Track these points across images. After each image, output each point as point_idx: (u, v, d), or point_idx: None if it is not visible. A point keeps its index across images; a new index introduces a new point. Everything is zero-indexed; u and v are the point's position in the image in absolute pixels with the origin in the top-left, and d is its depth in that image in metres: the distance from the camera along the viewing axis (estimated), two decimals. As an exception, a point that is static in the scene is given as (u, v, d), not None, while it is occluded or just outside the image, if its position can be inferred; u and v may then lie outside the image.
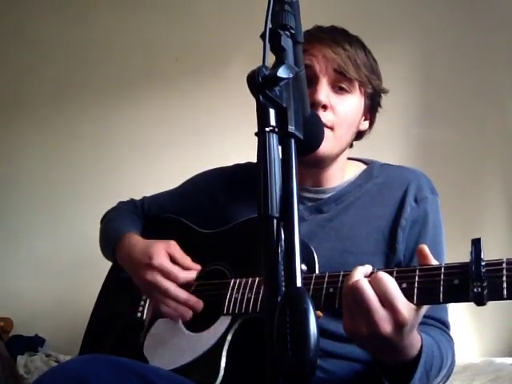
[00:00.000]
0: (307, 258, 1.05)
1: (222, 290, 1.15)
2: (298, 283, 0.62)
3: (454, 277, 0.84)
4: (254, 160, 0.70)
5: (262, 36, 0.75)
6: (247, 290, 1.10)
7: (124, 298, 1.35)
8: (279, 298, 0.62)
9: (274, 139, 0.70)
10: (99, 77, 2.73)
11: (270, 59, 0.76)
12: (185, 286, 1.21)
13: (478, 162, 2.25)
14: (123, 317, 1.33)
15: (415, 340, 0.92)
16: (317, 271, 1.05)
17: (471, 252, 0.82)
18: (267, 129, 0.70)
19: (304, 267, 1.03)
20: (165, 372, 1.09)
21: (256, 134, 0.71)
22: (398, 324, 0.85)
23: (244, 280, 1.12)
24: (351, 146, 1.31)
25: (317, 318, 0.59)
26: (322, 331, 0.59)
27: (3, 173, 2.80)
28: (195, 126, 2.57)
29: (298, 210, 0.67)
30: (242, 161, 1.43)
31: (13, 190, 2.77)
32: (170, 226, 1.41)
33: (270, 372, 0.62)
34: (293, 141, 0.71)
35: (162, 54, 2.66)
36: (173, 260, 1.22)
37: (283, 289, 0.64)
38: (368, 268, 0.92)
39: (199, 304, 1.18)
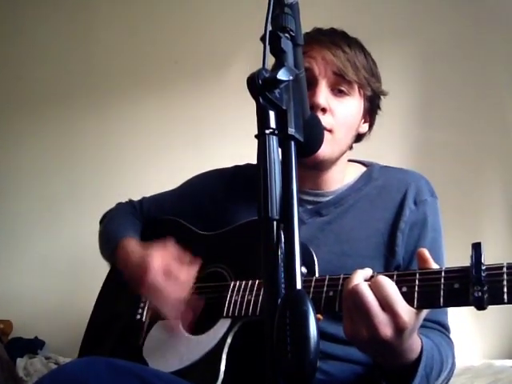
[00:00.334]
0: (307, 261, 1.05)
1: (222, 292, 1.15)
2: (298, 286, 0.62)
3: (455, 281, 0.84)
4: (254, 162, 0.70)
5: (262, 38, 0.75)
6: (247, 293, 1.10)
7: (123, 299, 1.35)
8: (279, 301, 0.62)
9: (273, 141, 0.70)
10: (98, 79, 2.73)
11: (270, 61, 0.76)
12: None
13: (478, 163, 2.26)
14: (123, 319, 1.32)
15: (415, 344, 0.92)
16: (316, 274, 1.05)
17: (471, 256, 0.82)
18: (267, 131, 0.70)
19: (304, 270, 1.03)
20: (164, 374, 1.09)
21: (256, 136, 0.71)
22: (399, 328, 0.84)
23: (244, 282, 1.12)
24: (351, 148, 1.31)
25: (317, 320, 0.59)
26: (321, 333, 0.59)
27: (3, 174, 2.80)
28: (195, 128, 2.58)
29: (298, 212, 0.67)
30: (242, 163, 1.44)
31: (12, 192, 2.77)
32: (170, 227, 1.40)
33: (270, 374, 0.62)
34: (293, 143, 0.71)
35: (161, 57, 2.66)
36: (168, 272, 1.19)
37: (283, 291, 0.64)
38: (368, 272, 0.92)
39: (200, 303, 1.18)
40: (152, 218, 1.46)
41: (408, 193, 1.22)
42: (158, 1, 2.71)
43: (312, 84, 1.18)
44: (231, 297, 1.12)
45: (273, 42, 0.76)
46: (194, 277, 1.20)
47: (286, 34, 0.77)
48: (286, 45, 0.76)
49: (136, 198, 1.54)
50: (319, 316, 0.98)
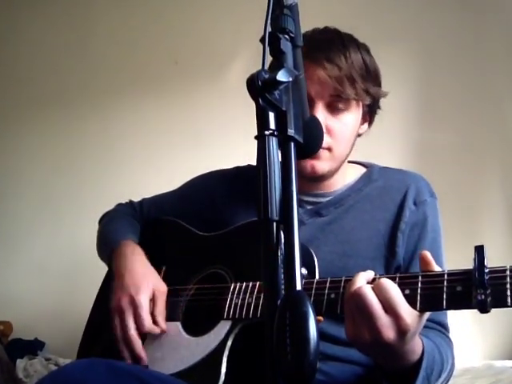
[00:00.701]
0: (307, 262, 1.05)
1: (222, 294, 1.14)
2: (298, 287, 0.62)
3: (457, 284, 0.84)
4: (254, 163, 0.70)
5: (262, 40, 0.75)
6: (247, 295, 1.10)
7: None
8: (279, 302, 0.62)
9: (273, 143, 0.69)
10: (98, 79, 2.73)
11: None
12: (176, 293, 1.22)
13: (477, 164, 2.26)
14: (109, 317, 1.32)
15: (417, 345, 0.92)
16: (317, 275, 1.04)
17: (474, 259, 0.82)
18: (267, 132, 0.69)
19: (304, 271, 1.03)
20: (165, 376, 1.09)
21: (255, 138, 0.71)
22: (401, 330, 0.84)
23: (244, 284, 1.12)
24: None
25: (317, 321, 0.59)
26: (321, 334, 0.59)
27: (2, 176, 2.80)
28: (195, 129, 2.58)
29: (298, 213, 0.67)
30: (242, 164, 1.43)
31: (12, 193, 2.77)
32: (169, 228, 1.40)
33: (270, 375, 0.62)
34: (292, 144, 0.71)
35: (161, 58, 2.66)
36: (152, 304, 1.20)
37: (283, 292, 0.64)
38: (370, 274, 0.92)
39: (143, 362, 1.18)
40: (152, 219, 1.46)
41: (408, 193, 1.22)
42: (158, 2, 2.71)
43: (309, 105, 1.17)
44: (231, 299, 1.11)
45: (272, 43, 0.75)
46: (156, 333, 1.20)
47: (286, 36, 0.77)
48: (286, 46, 0.76)
49: (135, 198, 1.54)
50: (320, 318, 0.97)
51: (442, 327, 1.16)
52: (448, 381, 1.10)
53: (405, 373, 0.93)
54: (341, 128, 1.20)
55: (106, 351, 1.27)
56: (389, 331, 0.84)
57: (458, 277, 0.84)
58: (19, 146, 2.79)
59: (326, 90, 1.17)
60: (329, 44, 1.19)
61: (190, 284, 1.25)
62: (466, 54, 2.29)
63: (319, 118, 1.16)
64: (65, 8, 2.82)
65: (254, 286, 1.10)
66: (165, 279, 1.27)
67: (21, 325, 2.51)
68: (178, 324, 1.21)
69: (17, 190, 2.77)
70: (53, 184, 2.72)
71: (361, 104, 1.23)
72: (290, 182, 0.68)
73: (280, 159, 0.70)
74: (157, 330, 1.19)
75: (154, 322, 1.19)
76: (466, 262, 0.83)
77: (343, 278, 0.96)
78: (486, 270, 0.80)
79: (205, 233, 1.33)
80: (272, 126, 0.70)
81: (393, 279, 0.88)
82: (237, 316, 1.09)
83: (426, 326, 1.06)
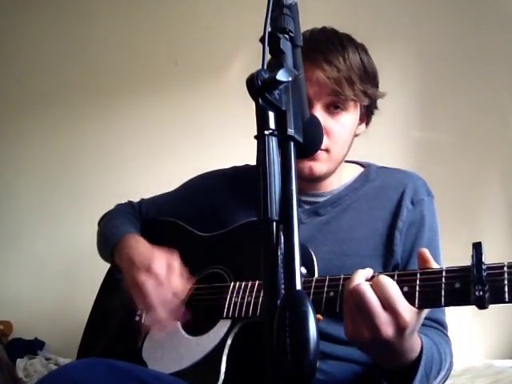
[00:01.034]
0: (306, 261, 1.05)
1: (222, 293, 1.14)
2: (298, 286, 0.62)
3: (456, 280, 0.84)
4: (253, 163, 0.70)
5: (262, 39, 0.75)
6: (247, 294, 1.10)
7: (122, 300, 1.34)
8: (279, 302, 0.62)
9: (273, 142, 0.69)
10: (98, 80, 2.73)
11: (270, 63, 0.76)
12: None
13: (477, 163, 2.26)
14: (121, 320, 1.32)
15: (416, 343, 0.92)
16: (316, 274, 1.05)
17: (472, 255, 0.82)
18: (266, 132, 0.69)
19: (303, 270, 1.03)
20: (164, 376, 1.09)
21: (255, 137, 0.71)
22: (400, 327, 0.85)
23: (243, 283, 1.12)
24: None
25: (316, 321, 0.59)
26: (321, 334, 0.59)
27: (2, 175, 2.80)
28: (194, 129, 2.58)
29: (298, 212, 0.67)
30: (241, 163, 1.43)
31: (12, 193, 2.77)
32: (168, 229, 1.40)
33: (270, 375, 0.62)
34: (292, 144, 0.71)
35: (161, 58, 2.67)
36: (170, 271, 1.19)
37: (283, 292, 0.64)
38: (369, 272, 0.92)
39: (173, 327, 1.17)
40: (150, 219, 1.46)
41: (405, 192, 1.23)
42: (158, 2, 2.71)
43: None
44: (231, 298, 1.12)
45: (272, 42, 0.75)
46: (187, 290, 1.19)
47: (286, 35, 0.77)
48: (286, 46, 0.76)
49: (136, 198, 1.54)
50: (319, 316, 0.98)
51: (441, 325, 1.17)
52: (447, 379, 1.11)
53: (404, 371, 0.93)
54: (339, 129, 1.20)
55: (106, 351, 1.27)
56: (388, 328, 0.84)
57: (457, 273, 0.85)
58: (19, 146, 2.80)
59: (324, 91, 1.17)
60: (327, 45, 1.19)
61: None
62: (466, 53, 2.29)
63: None
64: (65, 8, 2.82)
65: (253, 285, 1.10)
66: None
67: (21, 324, 2.51)
68: (178, 324, 1.21)
69: (17, 190, 2.77)
70: (53, 184, 2.73)
71: (358, 105, 1.23)
72: (290, 181, 0.68)
73: (280, 159, 0.70)
74: (185, 288, 1.18)
75: (176, 283, 1.18)
76: (467, 261, 0.84)
77: (342, 276, 0.96)
78: (484, 267, 0.81)
79: (204, 233, 1.33)
80: (272, 125, 0.70)
81: (391, 276, 0.89)
82: (236, 315, 1.09)
83: (424, 325, 1.07)
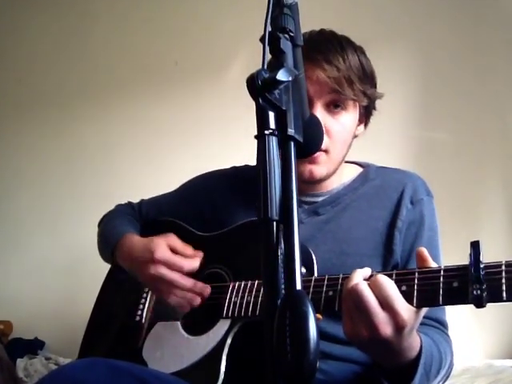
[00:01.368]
0: (306, 261, 1.05)
1: (222, 293, 1.15)
2: (298, 286, 0.62)
3: (454, 279, 0.84)
4: (253, 163, 0.70)
5: (262, 39, 0.75)
6: (246, 294, 1.10)
7: (123, 300, 1.35)
8: (279, 301, 0.62)
9: (273, 142, 0.69)
10: (98, 80, 2.74)
11: (270, 63, 0.76)
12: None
13: (477, 163, 2.26)
14: (122, 320, 1.32)
15: (415, 342, 0.92)
16: (315, 274, 1.05)
17: (470, 254, 0.82)
18: (267, 132, 0.69)
19: (303, 270, 1.03)
20: (165, 375, 1.09)
21: (255, 137, 0.71)
22: (398, 326, 0.85)
23: (243, 283, 1.12)
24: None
25: (316, 320, 0.59)
26: (321, 333, 0.59)
27: (3, 175, 2.80)
28: (194, 129, 2.58)
29: (298, 212, 0.67)
30: (241, 164, 1.44)
31: (13, 193, 2.77)
32: (168, 228, 1.40)
33: (270, 375, 0.62)
34: (292, 144, 0.71)
35: (161, 58, 2.67)
36: (174, 251, 1.20)
37: (283, 292, 0.64)
38: (367, 271, 0.92)
39: (207, 289, 1.17)
40: (150, 219, 1.46)
41: (405, 192, 1.23)
42: (158, 2, 2.71)
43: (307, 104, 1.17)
44: (231, 298, 1.12)
45: (272, 42, 0.75)
46: (197, 265, 1.20)
47: (286, 35, 0.77)
48: (286, 45, 0.76)
49: (136, 198, 1.54)
50: (319, 316, 0.98)
51: (441, 324, 1.17)
52: (447, 378, 1.11)
53: (403, 370, 0.93)
54: (339, 128, 1.21)
55: (107, 351, 1.27)
56: (386, 327, 0.84)
57: (455, 272, 0.85)
58: (19, 146, 2.80)
59: (324, 90, 1.17)
60: (327, 45, 1.19)
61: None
62: (466, 53, 2.29)
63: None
64: (64, 8, 2.82)
65: (252, 285, 1.10)
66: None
67: (21, 324, 2.51)
68: (178, 323, 1.21)
69: (18, 190, 2.77)
70: (54, 184, 2.73)
71: (358, 105, 1.23)
72: (290, 181, 0.68)
73: (280, 159, 0.70)
74: (196, 260, 1.19)
75: (187, 257, 1.19)
76: (466, 259, 0.84)
77: (341, 276, 0.97)
78: (482, 266, 0.81)
79: (204, 233, 1.33)
80: (272, 125, 0.70)
81: (389, 276, 0.89)
82: (236, 315, 1.10)
83: (424, 324, 1.07)
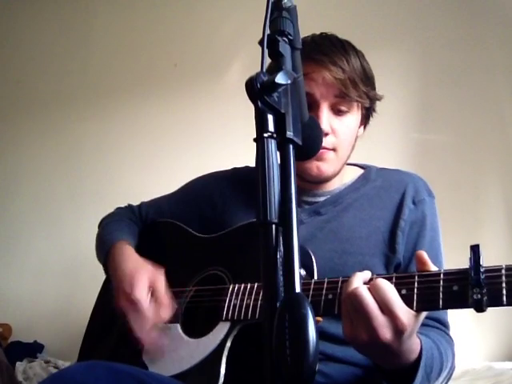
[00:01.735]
0: (305, 263, 1.05)
1: (221, 295, 1.14)
2: (297, 289, 0.62)
3: (454, 283, 0.84)
4: (253, 164, 0.70)
5: (261, 42, 0.75)
6: (246, 296, 1.10)
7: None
8: (278, 304, 0.62)
9: (272, 145, 0.70)
10: (98, 82, 2.74)
11: (269, 65, 0.76)
12: (176, 295, 1.20)
13: (476, 165, 2.26)
14: (121, 322, 1.32)
15: (415, 344, 0.92)
16: (315, 276, 1.05)
17: (470, 258, 0.82)
18: (266, 134, 0.70)
19: (303, 272, 1.03)
20: (165, 378, 1.09)
21: (254, 140, 0.71)
22: (398, 330, 0.85)
23: (243, 286, 1.12)
24: None
25: (316, 323, 0.59)
26: (321, 333, 0.59)
27: (2, 177, 2.80)
28: (194, 131, 2.58)
29: (297, 214, 0.67)
30: (241, 165, 1.44)
31: (12, 195, 2.77)
32: (168, 230, 1.40)
33: (270, 377, 0.62)
34: (291, 146, 0.71)
35: (160, 60, 2.67)
36: (153, 293, 1.17)
37: (282, 294, 0.64)
38: (367, 274, 0.92)
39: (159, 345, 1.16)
40: (150, 221, 1.46)
41: (407, 192, 1.24)
42: (158, 4, 2.72)
43: (313, 107, 1.18)
44: (230, 300, 1.12)
45: (271, 45, 0.76)
46: (165, 319, 1.16)
47: (284, 38, 0.77)
48: (285, 48, 0.77)
49: (136, 200, 1.54)
50: (319, 318, 0.98)
51: (442, 325, 1.17)
52: (449, 379, 1.11)
53: (404, 372, 0.93)
54: (344, 129, 1.22)
55: (107, 354, 1.27)
56: (386, 331, 0.85)
57: (454, 276, 0.85)
58: (20, 146, 2.80)
59: (330, 91, 1.19)
60: (330, 47, 1.21)
61: (189, 286, 1.25)
62: (465, 54, 2.29)
63: (324, 118, 1.18)
64: (64, 10, 2.82)
65: (252, 288, 1.10)
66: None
67: (20, 327, 2.51)
68: (178, 326, 1.21)
69: (17, 192, 2.77)
70: (53, 185, 2.73)
71: (360, 107, 1.25)
72: (289, 184, 0.68)
73: (279, 161, 0.71)
74: (164, 315, 1.16)
75: (157, 312, 1.16)
76: (466, 263, 0.84)
77: (340, 279, 0.96)
78: (482, 270, 0.81)
79: (204, 234, 1.33)
80: (271, 128, 0.70)
81: (389, 279, 0.89)
82: (235, 317, 1.09)
83: (425, 324, 1.07)
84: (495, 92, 2.27)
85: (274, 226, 0.66)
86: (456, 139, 2.28)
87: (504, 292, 0.79)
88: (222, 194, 1.38)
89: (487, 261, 0.82)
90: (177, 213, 1.42)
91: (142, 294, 1.15)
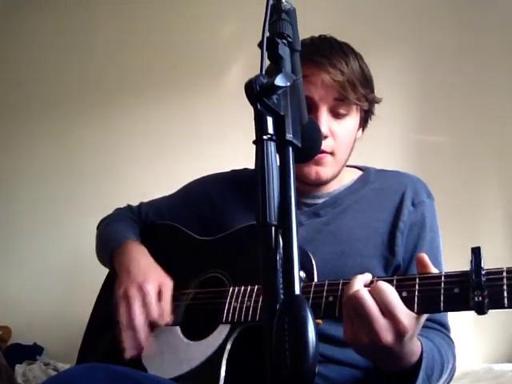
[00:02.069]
0: (305, 265, 1.05)
1: (221, 298, 1.14)
2: (297, 291, 0.62)
3: (455, 285, 0.84)
4: (252, 166, 0.70)
5: (260, 45, 0.75)
6: (246, 299, 1.10)
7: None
8: (278, 306, 0.62)
9: (271, 147, 0.69)
10: (98, 83, 2.74)
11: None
12: (176, 297, 1.20)
13: (476, 166, 2.26)
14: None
15: (415, 347, 0.92)
16: (315, 278, 1.05)
17: (471, 261, 0.82)
18: (265, 137, 0.69)
19: (302, 274, 1.03)
20: (165, 381, 1.09)
21: (254, 142, 0.71)
22: (399, 333, 0.85)
23: (243, 288, 1.12)
24: None
25: (316, 325, 0.59)
26: (321, 335, 0.59)
27: (3, 179, 2.80)
28: (193, 133, 2.58)
29: (297, 216, 0.67)
30: (240, 167, 1.44)
31: (11, 196, 2.77)
32: (167, 233, 1.40)
33: (270, 380, 0.61)
34: (290, 149, 0.71)
35: (160, 62, 2.67)
36: (159, 296, 1.19)
37: (282, 297, 0.64)
38: (368, 277, 0.92)
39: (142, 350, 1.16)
40: (150, 223, 1.46)
41: (406, 194, 1.24)
42: (157, 6, 2.72)
43: (312, 110, 1.18)
44: (230, 303, 1.11)
45: (270, 48, 0.76)
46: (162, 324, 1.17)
47: (284, 40, 0.77)
48: (284, 51, 0.77)
49: (136, 200, 1.54)
50: (318, 321, 0.97)
51: (443, 327, 1.17)
52: (450, 381, 1.11)
53: (404, 375, 0.93)
54: (343, 132, 1.22)
55: (106, 356, 1.27)
56: (387, 334, 0.84)
57: (455, 279, 0.85)
58: (20, 146, 2.80)
59: (330, 94, 1.19)
60: (330, 50, 1.21)
61: (188, 288, 1.25)
62: (465, 57, 2.30)
63: (323, 121, 1.18)
64: (65, 12, 2.82)
65: (252, 290, 1.10)
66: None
67: (20, 330, 2.51)
68: (178, 328, 1.20)
69: (16, 193, 2.76)
70: (53, 187, 2.72)
71: (359, 110, 1.25)
72: (289, 186, 0.68)
73: (278, 164, 0.71)
74: (162, 321, 1.17)
75: (160, 313, 1.17)
76: (466, 264, 0.84)
77: (341, 281, 0.96)
78: (483, 272, 0.81)
79: (203, 236, 1.33)
80: (270, 130, 0.70)
81: (390, 282, 0.89)
82: (235, 320, 1.09)
83: (426, 326, 1.07)
84: (495, 93, 2.27)
85: (273, 228, 0.66)
86: (455, 141, 2.28)
87: (505, 294, 0.79)
88: (221, 195, 1.38)
89: (486, 262, 0.82)
90: (176, 213, 1.42)
91: (153, 289, 1.17)
